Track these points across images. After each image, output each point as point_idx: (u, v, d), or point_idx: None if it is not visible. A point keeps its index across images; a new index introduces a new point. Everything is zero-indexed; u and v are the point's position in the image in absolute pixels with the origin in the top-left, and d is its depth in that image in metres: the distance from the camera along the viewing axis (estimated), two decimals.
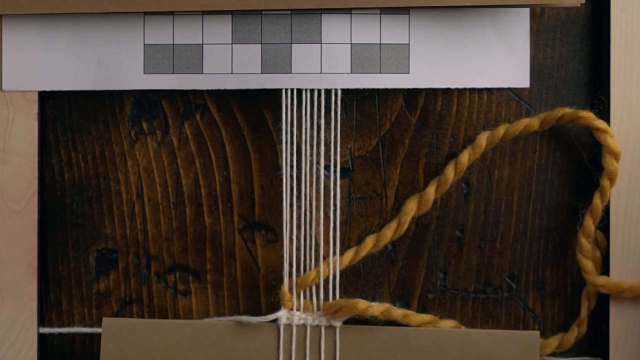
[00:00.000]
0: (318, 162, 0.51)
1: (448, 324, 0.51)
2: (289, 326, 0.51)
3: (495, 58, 0.50)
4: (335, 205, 0.51)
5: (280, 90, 0.51)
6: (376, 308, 0.50)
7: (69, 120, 0.52)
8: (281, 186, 0.51)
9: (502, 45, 0.50)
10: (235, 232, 0.52)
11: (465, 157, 0.50)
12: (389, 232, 0.51)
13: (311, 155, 0.51)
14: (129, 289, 0.53)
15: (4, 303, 0.51)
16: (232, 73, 0.50)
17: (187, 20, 0.50)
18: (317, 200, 0.51)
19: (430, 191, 0.51)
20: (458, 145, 0.52)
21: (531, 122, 0.50)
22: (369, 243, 0.51)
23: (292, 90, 0.51)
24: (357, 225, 0.52)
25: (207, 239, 0.52)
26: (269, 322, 0.51)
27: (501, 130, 0.50)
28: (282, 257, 0.51)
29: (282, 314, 0.51)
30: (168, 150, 0.52)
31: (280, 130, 0.51)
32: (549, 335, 0.51)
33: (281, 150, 0.51)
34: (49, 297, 0.53)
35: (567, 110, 0.50)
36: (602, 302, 0.51)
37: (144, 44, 0.51)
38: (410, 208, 0.51)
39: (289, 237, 0.51)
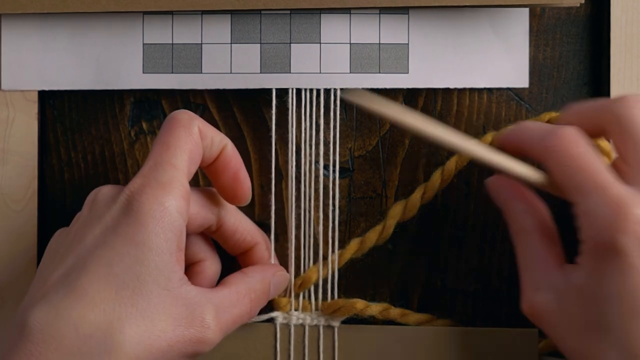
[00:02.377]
0: (317, 162, 0.51)
1: (445, 322, 0.51)
2: (287, 326, 0.51)
3: (494, 58, 0.50)
4: (334, 205, 0.51)
5: (279, 90, 0.51)
6: (374, 307, 0.50)
7: (69, 120, 0.53)
8: (280, 186, 0.51)
9: (501, 45, 0.50)
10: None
11: (452, 165, 0.50)
12: (373, 236, 0.51)
13: (310, 155, 0.51)
14: None
15: (4, 303, 0.51)
16: (231, 73, 0.50)
17: (186, 19, 0.51)
18: (317, 200, 0.51)
19: (416, 197, 0.50)
20: None
21: None
22: (354, 246, 0.51)
23: (291, 90, 0.51)
24: (357, 225, 0.52)
25: None
26: (268, 322, 0.51)
27: (488, 137, 0.50)
28: (278, 257, 0.51)
29: (278, 314, 0.51)
30: None
31: (278, 129, 0.51)
32: None
33: (271, 150, 0.51)
34: None
35: (554, 114, 0.49)
36: None
37: (143, 44, 0.51)
38: (396, 212, 0.51)
39: (288, 239, 0.51)
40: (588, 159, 0.43)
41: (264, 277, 0.47)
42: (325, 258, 0.51)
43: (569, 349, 0.43)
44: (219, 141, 0.46)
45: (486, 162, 0.45)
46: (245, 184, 0.47)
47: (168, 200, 0.42)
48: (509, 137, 0.48)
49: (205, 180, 0.52)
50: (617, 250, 0.41)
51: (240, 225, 0.49)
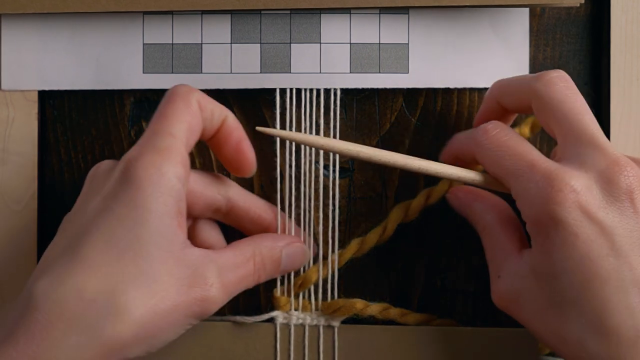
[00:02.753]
0: (317, 162, 0.51)
1: (445, 322, 0.51)
2: (287, 326, 0.51)
3: (494, 58, 0.50)
4: (334, 205, 0.51)
5: (280, 89, 0.51)
6: (374, 307, 0.50)
7: (69, 120, 0.53)
8: (281, 185, 0.51)
9: (501, 45, 0.50)
10: (236, 232, 0.52)
11: None
12: (374, 237, 0.51)
13: (310, 155, 0.51)
14: None
15: (4, 303, 0.51)
16: (231, 73, 0.50)
17: (186, 19, 0.51)
18: (317, 200, 0.51)
19: (420, 201, 0.50)
20: None
21: (522, 131, 0.50)
22: (354, 246, 0.51)
23: (291, 89, 0.51)
24: (357, 225, 0.52)
25: None
26: (268, 322, 0.51)
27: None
28: None
29: (277, 314, 0.51)
30: None
31: (278, 128, 0.51)
32: None
33: (274, 149, 0.51)
34: None
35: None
36: None
37: (143, 44, 0.51)
38: (398, 215, 0.51)
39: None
40: (515, 143, 0.44)
41: (273, 245, 0.47)
42: (325, 258, 0.51)
43: (539, 331, 0.43)
44: (219, 113, 0.46)
45: (421, 172, 0.46)
46: (249, 153, 0.47)
47: (165, 165, 0.42)
48: (446, 152, 0.49)
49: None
50: (557, 222, 0.41)
51: (252, 202, 0.49)
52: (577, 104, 0.44)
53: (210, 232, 0.50)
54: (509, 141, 0.44)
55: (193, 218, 0.49)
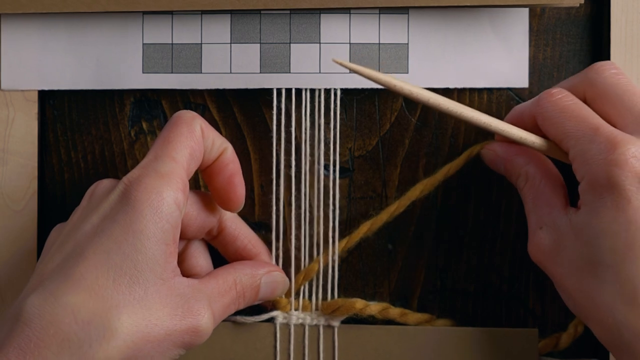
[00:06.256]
0: (318, 162, 0.51)
1: (445, 322, 0.51)
2: (287, 325, 0.51)
3: (494, 58, 0.50)
4: (334, 205, 0.51)
5: (279, 89, 0.51)
6: (374, 307, 0.50)
7: (69, 120, 0.53)
8: (281, 185, 0.51)
9: (501, 45, 0.50)
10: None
11: (477, 149, 0.50)
12: (384, 215, 0.51)
13: (311, 155, 0.51)
14: None
15: (4, 303, 0.51)
16: (230, 73, 0.51)
17: (186, 19, 0.51)
18: (317, 199, 0.51)
19: (442, 173, 0.51)
20: (458, 145, 0.51)
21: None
22: (363, 228, 0.51)
23: (285, 90, 0.51)
24: (357, 225, 0.52)
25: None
26: (268, 322, 0.51)
27: (477, 147, 0.51)
28: (278, 257, 0.51)
29: (277, 314, 0.51)
30: None
31: (278, 129, 0.51)
32: (549, 335, 0.51)
33: (274, 150, 0.51)
34: None
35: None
36: None
37: (143, 43, 0.51)
38: (413, 194, 0.51)
39: (288, 238, 0.51)
40: (579, 107, 0.44)
41: (253, 273, 0.47)
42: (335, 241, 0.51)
43: (570, 290, 0.44)
44: (219, 144, 0.46)
45: (485, 127, 0.46)
46: (238, 189, 0.47)
47: (166, 190, 0.42)
48: (507, 119, 0.49)
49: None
50: (613, 185, 0.41)
51: (241, 232, 0.49)
52: (630, 86, 0.44)
53: (199, 258, 0.50)
54: (573, 105, 0.44)
55: (186, 240, 0.49)
